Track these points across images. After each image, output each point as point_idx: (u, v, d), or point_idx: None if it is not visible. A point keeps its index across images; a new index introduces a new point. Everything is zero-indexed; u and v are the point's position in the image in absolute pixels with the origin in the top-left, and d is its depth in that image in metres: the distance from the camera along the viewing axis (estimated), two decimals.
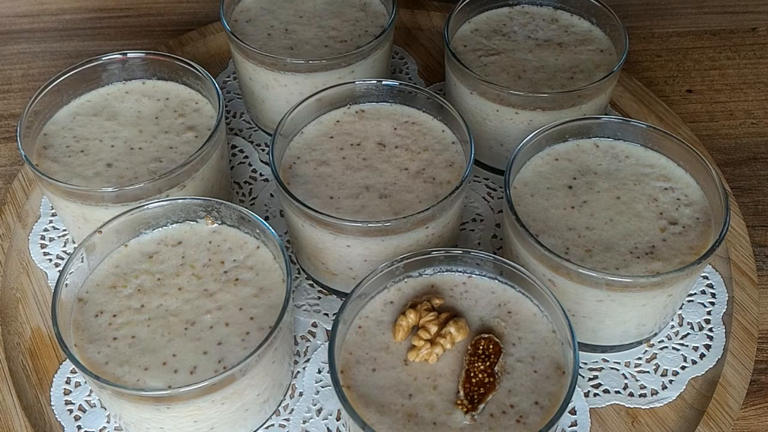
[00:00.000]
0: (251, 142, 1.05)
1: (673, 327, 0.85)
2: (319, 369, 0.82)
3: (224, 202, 0.78)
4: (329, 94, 0.88)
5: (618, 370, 0.82)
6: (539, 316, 0.71)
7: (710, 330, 0.85)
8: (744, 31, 1.26)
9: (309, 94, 0.87)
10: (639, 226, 0.79)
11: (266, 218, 0.96)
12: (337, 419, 0.79)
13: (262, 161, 1.03)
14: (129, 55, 0.92)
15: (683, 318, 0.86)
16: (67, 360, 0.82)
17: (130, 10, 1.30)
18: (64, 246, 0.93)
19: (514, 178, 0.83)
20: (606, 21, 0.99)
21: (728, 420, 0.78)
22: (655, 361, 0.83)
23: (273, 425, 0.78)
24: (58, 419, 0.79)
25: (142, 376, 0.68)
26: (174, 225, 0.79)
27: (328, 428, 0.78)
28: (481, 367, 0.67)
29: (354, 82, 0.90)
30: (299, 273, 0.91)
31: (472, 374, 0.66)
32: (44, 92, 0.88)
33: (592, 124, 0.86)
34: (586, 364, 0.82)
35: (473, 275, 0.75)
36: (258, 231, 0.77)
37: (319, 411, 0.79)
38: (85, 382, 0.81)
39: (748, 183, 1.03)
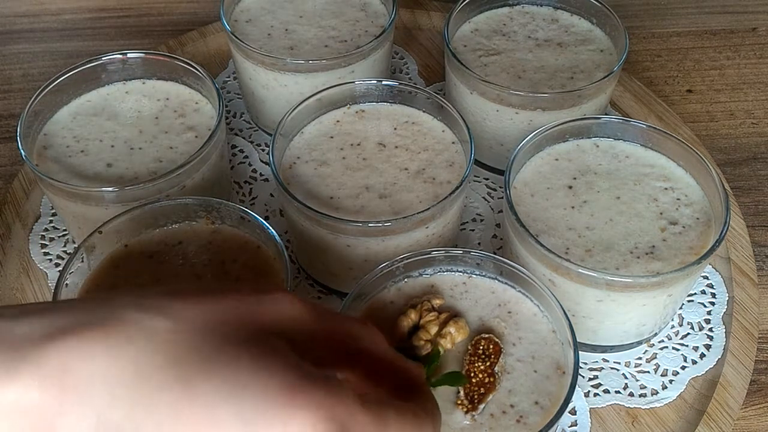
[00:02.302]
0: (251, 142, 1.05)
1: (673, 327, 0.85)
2: None
3: (224, 202, 0.78)
4: (329, 94, 0.88)
5: (618, 370, 0.82)
6: (539, 316, 0.71)
7: (710, 330, 0.85)
8: (744, 31, 1.26)
9: (309, 94, 0.87)
10: (639, 226, 0.79)
11: (266, 218, 0.96)
12: None
13: (262, 161, 1.03)
14: (129, 55, 0.92)
15: (683, 318, 0.86)
16: None
17: (130, 10, 1.30)
18: (64, 246, 0.93)
19: (514, 178, 0.83)
20: (606, 21, 0.99)
21: (728, 420, 0.78)
22: (655, 361, 0.83)
23: None
24: None
25: None
26: (174, 225, 0.79)
27: None
28: (481, 367, 0.67)
29: (354, 82, 0.89)
30: (299, 273, 0.91)
31: (472, 374, 0.66)
32: (44, 92, 0.87)
33: (592, 124, 0.86)
34: (586, 364, 0.82)
35: (473, 275, 0.75)
36: (258, 231, 0.77)
37: None
38: None
39: (748, 183, 1.03)
